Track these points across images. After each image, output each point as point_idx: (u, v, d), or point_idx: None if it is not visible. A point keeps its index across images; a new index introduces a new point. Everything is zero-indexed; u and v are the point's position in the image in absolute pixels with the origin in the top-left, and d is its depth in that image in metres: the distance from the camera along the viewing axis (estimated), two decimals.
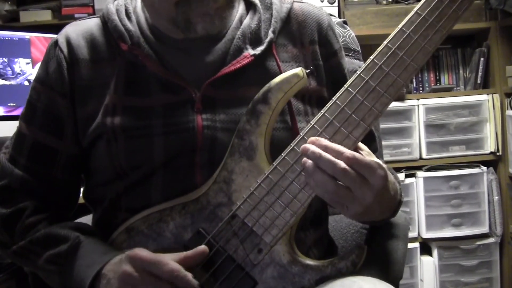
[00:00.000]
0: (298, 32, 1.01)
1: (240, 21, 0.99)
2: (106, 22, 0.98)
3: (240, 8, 1.01)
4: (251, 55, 0.94)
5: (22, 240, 0.95)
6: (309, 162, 0.80)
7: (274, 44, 0.97)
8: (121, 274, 0.83)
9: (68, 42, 0.98)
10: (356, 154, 0.80)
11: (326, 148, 0.80)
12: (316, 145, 0.81)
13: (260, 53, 0.95)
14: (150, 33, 0.97)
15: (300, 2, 1.05)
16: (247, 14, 1.01)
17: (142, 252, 0.83)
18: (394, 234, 1.10)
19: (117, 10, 0.98)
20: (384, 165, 0.83)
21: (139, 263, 0.82)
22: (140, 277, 0.82)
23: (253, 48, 0.96)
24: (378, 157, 0.91)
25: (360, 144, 0.85)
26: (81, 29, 1.00)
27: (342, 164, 0.78)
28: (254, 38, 0.97)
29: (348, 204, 0.80)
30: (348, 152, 0.79)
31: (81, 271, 0.88)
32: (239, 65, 0.94)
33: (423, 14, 0.83)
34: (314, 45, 1.01)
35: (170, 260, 0.82)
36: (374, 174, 0.79)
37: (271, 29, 0.97)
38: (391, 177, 0.87)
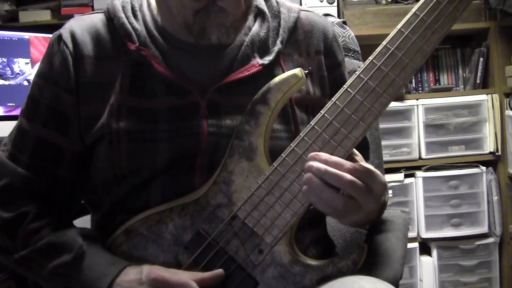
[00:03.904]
0: (304, 42, 1.01)
1: (248, 28, 0.98)
2: (111, 19, 0.96)
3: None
4: (260, 64, 0.94)
5: (24, 247, 0.92)
6: (315, 180, 0.81)
7: (281, 54, 0.97)
8: None
9: (73, 37, 0.95)
10: (355, 165, 0.81)
11: (326, 162, 0.81)
12: (317, 160, 0.82)
13: (268, 63, 0.95)
14: (157, 33, 0.96)
15: (307, 11, 1.05)
16: (254, 21, 1.00)
17: (164, 274, 0.83)
18: (393, 234, 1.10)
19: (123, 8, 0.96)
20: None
21: (161, 285, 0.82)
22: None
23: (261, 56, 0.96)
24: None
25: (354, 150, 0.86)
26: (85, 25, 0.97)
27: (348, 176, 0.80)
28: (262, 47, 0.97)
29: (351, 213, 0.82)
30: (348, 163, 0.81)
31: (88, 282, 0.87)
32: (247, 73, 0.93)
33: (421, 15, 0.84)
34: (319, 55, 1.01)
35: (192, 283, 0.83)
36: (375, 181, 0.82)
37: (279, 39, 0.97)
38: None
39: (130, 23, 0.95)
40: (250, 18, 1.00)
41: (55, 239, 0.92)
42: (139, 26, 0.95)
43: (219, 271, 0.86)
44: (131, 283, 0.84)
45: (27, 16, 2.64)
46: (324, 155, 0.82)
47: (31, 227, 0.93)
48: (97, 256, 0.89)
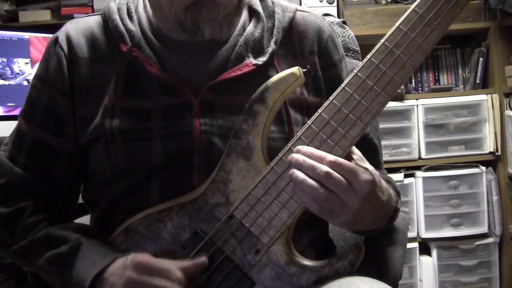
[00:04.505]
0: (298, 42, 1.00)
1: (243, 28, 0.98)
2: (107, 21, 0.97)
3: (243, 15, 1.00)
4: (253, 64, 0.94)
5: (22, 240, 0.95)
6: (295, 172, 0.80)
7: (276, 55, 0.97)
8: (126, 280, 0.82)
9: (69, 40, 0.97)
10: (339, 159, 0.79)
11: (310, 155, 0.80)
12: (301, 153, 0.81)
13: (262, 63, 0.95)
14: (151, 34, 0.96)
15: (303, 11, 1.04)
16: (249, 21, 1.00)
17: (148, 259, 0.83)
18: (393, 234, 1.10)
19: (118, 9, 0.97)
20: (375, 171, 0.82)
21: (145, 269, 0.82)
22: (145, 284, 0.81)
23: (255, 57, 0.95)
24: (377, 168, 0.90)
25: (354, 148, 0.85)
26: (81, 27, 0.99)
27: (325, 167, 0.78)
28: (257, 47, 0.96)
29: (337, 211, 0.80)
30: (330, 157, 0.79)
31: (81, 272, 0.88)
32: (240, 72, 0.93)
33: (421, 12, 0.83)
34: (313, 56, 1.00)
35: (176, 269, 0.82)
36: (358, 179, 0.78)
37: (273, 39, 0.97)
38: (382, 182, 0.87)
39: (124, 25, 0.95)
40: (245, 18, 1.00)
41: (53, 231, 0.94)
42: (134, 27, 0.96)
43: (202, 259, 0.85)
44: (117, 269, 0.84)
45: (27, 16, 2.64)
46: (308, 149, 0.81)
47: (29, 221, 0.95)
48: (92, 248, 0.90)
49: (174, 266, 0.82)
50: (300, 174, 0.80)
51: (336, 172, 0.78)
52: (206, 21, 0.90)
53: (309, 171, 0.79)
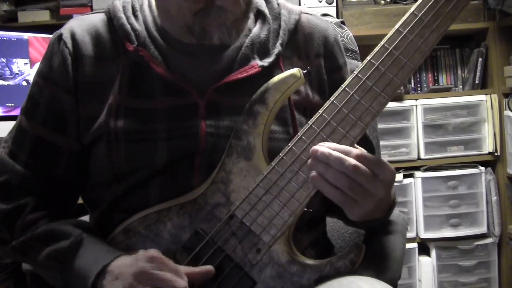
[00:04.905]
0: (304, 44, 1.01)
1: (249, 29, 0.98)
2: (111, 19, 0.96)
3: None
4: (259, 66, 0.94)
5: (22, 236, 0.93)
6: (319, 163, 0.81)
7: (281, 57, 0.97)
8: (138, 269, 0.81)
9: (73, 37, 0.96)
10: (363, 152, 0.82)
11: (335, 149, 0.82)
12: (325, 147, 0.82)
13: (267, 65, 0.95)
14: (157, 34, 0.96)
15: (307, 13, 1.04)
16: (255, 22, 1.00)
17: (161, 255, 0.83)
18: (392, 233, 1.10)
19: (123, 8, 0.96)
20: None
21: (158, 263, 0.82)
22: (157, 277, 0.81)
23: (261, 58, 0.95)
24: None
25: (357, 146, 0.86)
26: (86, 24, 0.97)
27: (353, 160, 0.80)
28: (262, 49, 0.96)
29: (360, 200, 0.81)
30: (356, 150, 0.82)
31: (83, 268, 0.87)
32: (246, 74, 0.93)
33: (419, 15, 0.84)
34: (319, 58, 1.01)
35: (182, 272, 0.83)
36: (384, 169, 0.82)
37: (279, 41, 0.97)
38: None
39: (130, 24, 0.95)
40: (251, 19, 1.00)
41: (54, 226, 0.93)
42: (139, 26, 0.95)
43: (209, 267, 0.86)
44: (125, 262, 0.84)
45: (26, 16, 2.64)
46: (332, 144, 0.83)
47: (29, 218, 0.95)
48: (94, 244, 0.90)
49: (181, 269, 0.83)
50: (322, 164, 0.81)
51: (363, 163, 0.81)
52: (214, 25, 0.90)
53: (336, 164, 0.80)
